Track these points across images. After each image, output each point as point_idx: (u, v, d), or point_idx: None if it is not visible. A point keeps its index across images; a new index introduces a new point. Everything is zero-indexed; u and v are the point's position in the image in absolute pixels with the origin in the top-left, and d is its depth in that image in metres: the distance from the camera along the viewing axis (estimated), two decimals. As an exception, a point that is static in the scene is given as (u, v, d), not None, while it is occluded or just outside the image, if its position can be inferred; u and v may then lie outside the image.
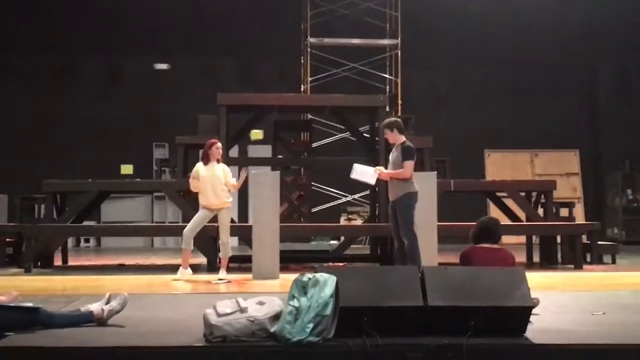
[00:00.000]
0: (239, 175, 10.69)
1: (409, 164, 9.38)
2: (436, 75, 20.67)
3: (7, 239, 12.89)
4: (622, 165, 20.28)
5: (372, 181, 9.92)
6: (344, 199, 18.69)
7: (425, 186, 10.10)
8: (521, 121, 20.34)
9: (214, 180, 10.46)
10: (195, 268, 11.44)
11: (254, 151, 19.24)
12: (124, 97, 19.97)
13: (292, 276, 5.90)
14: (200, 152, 11.12)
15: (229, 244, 10.60)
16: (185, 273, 10.50)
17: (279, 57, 20.11)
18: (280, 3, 19.76)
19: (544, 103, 20.69)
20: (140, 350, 5.33)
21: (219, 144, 10.66)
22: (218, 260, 11.27)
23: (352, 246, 14.86)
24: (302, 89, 18.80)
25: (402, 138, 9.63)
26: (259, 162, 16.36)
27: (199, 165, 10.61)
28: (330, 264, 12.60)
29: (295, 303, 5.35)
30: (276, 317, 5.46)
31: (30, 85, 20.08)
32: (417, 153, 9.97)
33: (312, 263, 12.54)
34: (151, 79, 20.33)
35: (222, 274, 10.45)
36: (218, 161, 10.61)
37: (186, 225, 10.73)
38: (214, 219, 10.61)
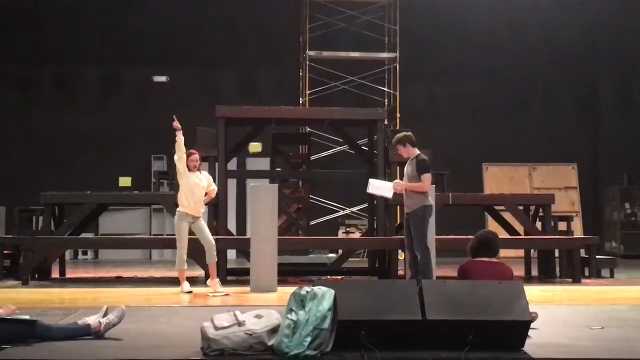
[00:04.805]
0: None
1: (427, 177, 9.50)
2: (435, 88, 20.70)
3: (5, 252, 12.85)
4: (620, 180, 20.28)
5: (390, 195, 10.03)
6: (342, 212, 18.69)
7: (424, 200, 10.10)
8: (520, 135, 20.36)
9: (194, 188, 10.51)
10: (193, 281, 11.42)
11: (252, 164, 19.23)
12: (123, 110, 19.97)
13: (290, 289, 5.89)
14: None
15: (215, 246, 10.61)
16: (187, 286, 10.50)
17: (278, 70, 20.15)
18: (279, 16, 19.82)
19: (542, 117, 20.72)
20: (138, 364, 5.32)
21: (195, 156, 10.60)
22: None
23: (350, 259, 14.84)
24: (301, 102, 18.83)
25: (416, 151, 9.71)
26: (258, 174, 16.35)
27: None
28: (329, 277, 12.60)
29: (293, 317, 5.34)
30: (274, 330, 5.44)
31: (28, 96, 20.08)
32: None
33: (310, 276, 12.53)
34: (150, 91, 20.34)
35: (218, 286, 10.42)
36: (200, 171, 10.67)
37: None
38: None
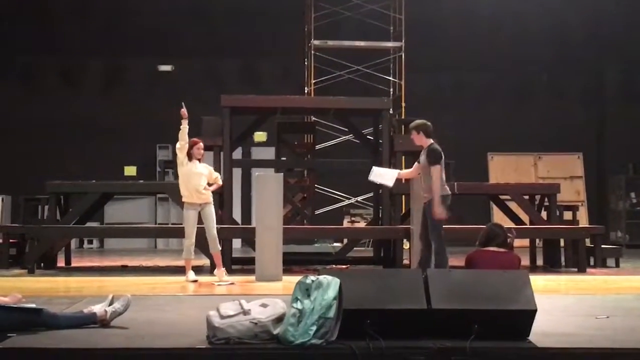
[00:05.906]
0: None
1: (436, 169, 9.14)
2: (440, 77, 20.64)
3: (11, 240, 12.89)
4: (625, 169, 20.24)
5: (391, 183, 9.90)
6: (347, 201, 18.68)
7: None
8: (525, 124, 20.30)
9: (192, 176, 10.49)
10: (198, 270, 11.43)
11: (257, 153, 19.23)
12: (128, 99, 19.94)
13: (295, 278, 5.89)
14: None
15: (217, 237, 10.61)
16: (192, 275, 10.50)
17: (283, 59, 20.11)
18: (284, 5, 19.75)
19: (547, 106, 20.65)
20: (143, 352, 5.33)
21: (201, 145, 10.66)
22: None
23: (355, 248, 14.84)
24: (305, 91, 18.80)
25: (429, 141, 9.49)
26: (263, 164, 16.34)
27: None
28: (334, 266, 12.61)
29: (298, 305, 5.34)
30: (279, 319, 5.45)
31: (33, 86, 20.08)
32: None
33: (315, 265, 12.54)
34: (155, 80, 20.31)
35: (223, 274, 10.44)
36: (200, 160, 10.65)
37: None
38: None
